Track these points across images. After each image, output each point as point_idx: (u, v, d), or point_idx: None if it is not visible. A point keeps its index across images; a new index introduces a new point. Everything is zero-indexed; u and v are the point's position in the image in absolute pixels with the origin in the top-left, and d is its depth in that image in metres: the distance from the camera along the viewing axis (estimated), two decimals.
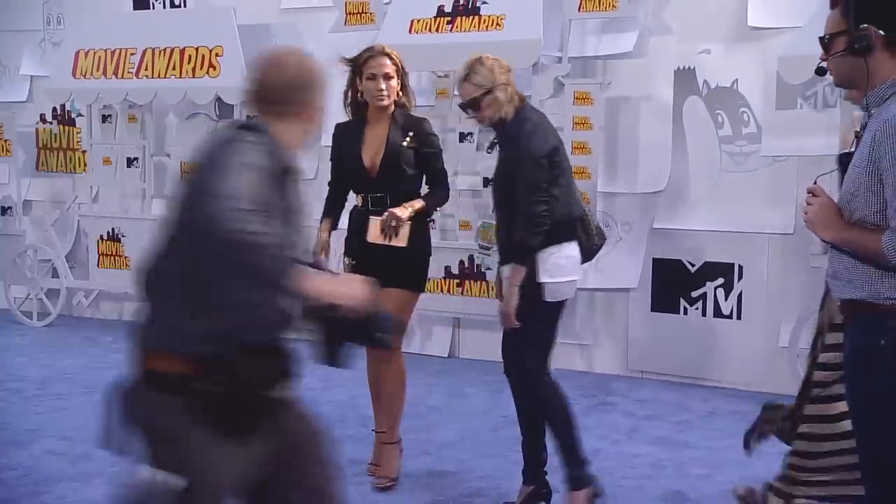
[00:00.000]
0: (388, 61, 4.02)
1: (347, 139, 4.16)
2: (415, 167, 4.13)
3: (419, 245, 4.16)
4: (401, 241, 4.06)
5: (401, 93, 4.10)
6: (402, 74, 4.09)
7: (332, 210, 4.32)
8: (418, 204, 4.11)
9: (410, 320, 4.29)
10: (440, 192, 4.28)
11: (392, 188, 4.08)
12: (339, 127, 4.24)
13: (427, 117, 6.70)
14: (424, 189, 4.33)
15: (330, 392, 5.66)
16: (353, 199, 4.39)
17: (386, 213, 4.06)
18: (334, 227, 4.35)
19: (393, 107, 4.08)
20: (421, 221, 4.18)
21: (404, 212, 4.03)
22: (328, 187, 4.37)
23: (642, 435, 5.05)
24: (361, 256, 4.13)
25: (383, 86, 4.00)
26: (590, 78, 6.31)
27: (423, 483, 4.26)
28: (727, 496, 4.13)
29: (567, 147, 6.09)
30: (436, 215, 6.74)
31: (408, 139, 4.06)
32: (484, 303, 6.31)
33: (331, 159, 4.29)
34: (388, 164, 4.05)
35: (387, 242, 4.07)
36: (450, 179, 6.65)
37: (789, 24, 5.74)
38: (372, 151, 4.07)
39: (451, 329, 6.98)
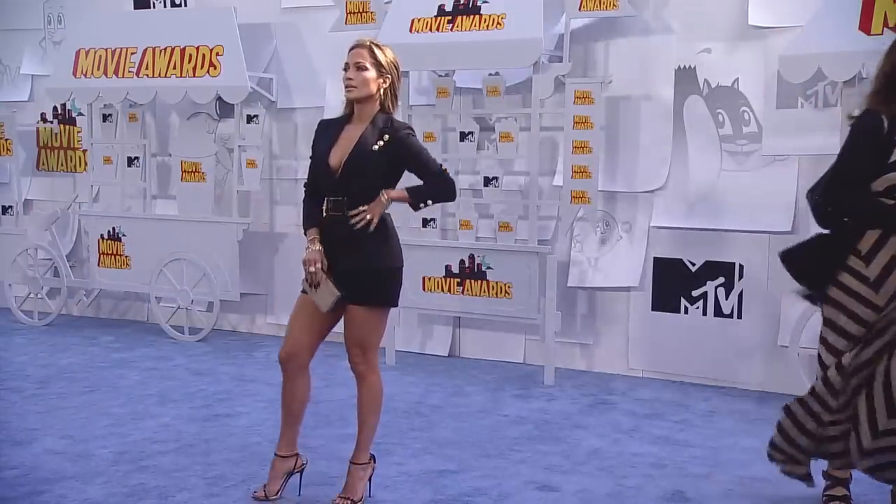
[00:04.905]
0: (364, 52, 3.79)
1: (324, 136, 3.92)
2: (387, 175, 3.85)
3: (386, 257, 3.86)
4: (321, 299, 3.80)
5: (384, 94, 3.84)
6: (387, 74, 3.83)
7: (312, 217, 3.92)
8: (395, 193, 3.81)
9: (382, 336, 3.92)
10: (439, 181, 3.87)
11: (351, 191, 3.78)
12: (321, 123, 4.02)
13: (433, 115, 6.89)
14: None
15: (330, 391, 5.67)
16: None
17: (307, 259, 3.81)
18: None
19: (377, 107, 3.84)
20: (383, 233, 3.83)
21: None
22: (303, 190, 4.05)
23: (643, 434, 5.04)
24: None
25: (352, 75, 3.79)
26: (590, 77, 6.31)
27: (423, 482, 4.26)
28: (728, 496, 4.15)
29: (567, 146, 6.15)
30: (436, 214, 6.76)
31: (381, 143, 3.78)
32: (484, 302, 6.31)
33: (310, 158, 4.00)
34: (351, 166, 3.79)
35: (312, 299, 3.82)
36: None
37: (790, 24, 5.74)
38: (341, 151, 3.82)
39: (451, 329, 6.98)
